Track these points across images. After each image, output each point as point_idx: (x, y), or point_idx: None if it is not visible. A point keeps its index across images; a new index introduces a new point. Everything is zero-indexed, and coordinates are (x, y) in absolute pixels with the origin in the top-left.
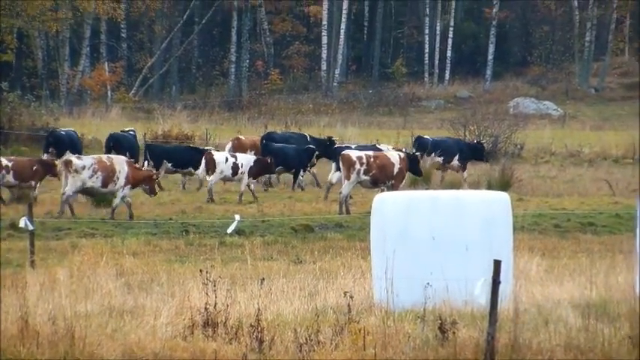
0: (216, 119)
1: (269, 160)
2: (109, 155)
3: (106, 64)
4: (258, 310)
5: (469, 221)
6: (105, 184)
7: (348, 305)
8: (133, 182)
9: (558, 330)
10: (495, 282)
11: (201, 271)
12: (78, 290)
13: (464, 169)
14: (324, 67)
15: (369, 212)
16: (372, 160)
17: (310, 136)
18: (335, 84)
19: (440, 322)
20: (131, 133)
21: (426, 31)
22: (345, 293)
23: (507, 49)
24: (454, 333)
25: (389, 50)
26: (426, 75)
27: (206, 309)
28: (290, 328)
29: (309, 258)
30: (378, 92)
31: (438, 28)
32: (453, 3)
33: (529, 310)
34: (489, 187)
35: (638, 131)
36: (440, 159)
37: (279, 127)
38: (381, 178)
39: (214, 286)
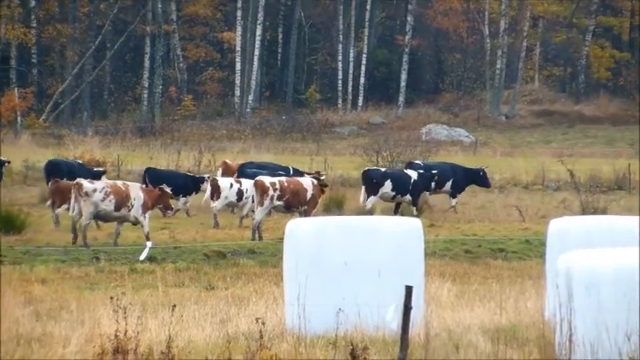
0: (129, 145)
1: None
2: (125, 181)
3: (16, 89)
4: (169, 337)
5: (381, 247)
6: (118, 208)
7: (260, 332)
8: (151, 206)
9: (468, 355)
10: (407, 307)
11: (111, 298)
12: None
13: (454, 195)
14: (237, 93)
15: (282, 238)
16: (285, 185)
17: (294, 169)
18: (248, 110)
19: (351, 347)
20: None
21: (340, 58)
22: (257, 319)
23: (420, 76)
24: (365, 359)
25: (302, 76)
26: (340, 101)
27: (116, 336)
28: (201, 355)
29: (221, 284)
30: (292, 118)
31: (351, 54)
32: (366, 30)
33: (440, 336)
34: (401, 213)
35: None
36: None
37: (191, 153)
38: (295, 203)
39: (125, 313)
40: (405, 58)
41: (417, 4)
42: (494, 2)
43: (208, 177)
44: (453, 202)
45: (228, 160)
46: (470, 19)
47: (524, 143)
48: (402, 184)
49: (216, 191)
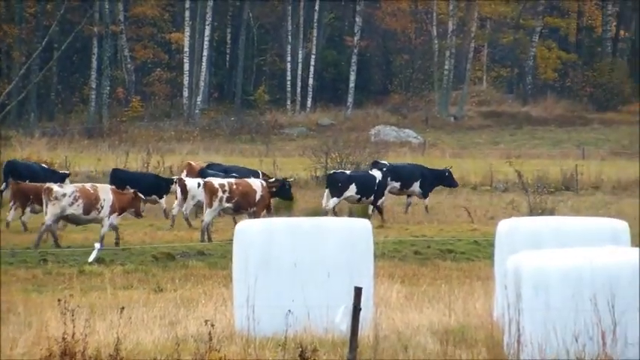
0: (76, 146)
1: None
2: (94, 184)
3: None
4: (118, 339)
5: (330, 248)
6: (87, 212)
7: (209, 334)
8: (120, 209)
9: (417, 356)
10: (356, 309)
11: (59, 300)
12: None
13: (425, 195)
14: (185, 94)
15: (232, 240)
16: (234, 187)
17: (264, 174)
18: (197, 111)
19: (301, 349)
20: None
21: (288, 59)
22: (206, 322)
23: (368, 77)
24: None
25: (251, 77)
26: (288, 102)
27: (64, 339)
28: (150, 358)
29: (169, 286)
30: (241, 119)
31: (300, 55)
32: (315, 31)
33: (389, 337)
34: (350, 214)
35: None
36: (397, 184)
37: (140, 154)
38: (244, 205)
39: (72, 315)
40: (354, 59)
41: (366, 5)
42: (442, 3)
43: (176, 180)
44: (426, 201)
45: (192, 162)
46: (418, 20)
47: (472, 144)
48: (366, 187)
49: (184, 192)
